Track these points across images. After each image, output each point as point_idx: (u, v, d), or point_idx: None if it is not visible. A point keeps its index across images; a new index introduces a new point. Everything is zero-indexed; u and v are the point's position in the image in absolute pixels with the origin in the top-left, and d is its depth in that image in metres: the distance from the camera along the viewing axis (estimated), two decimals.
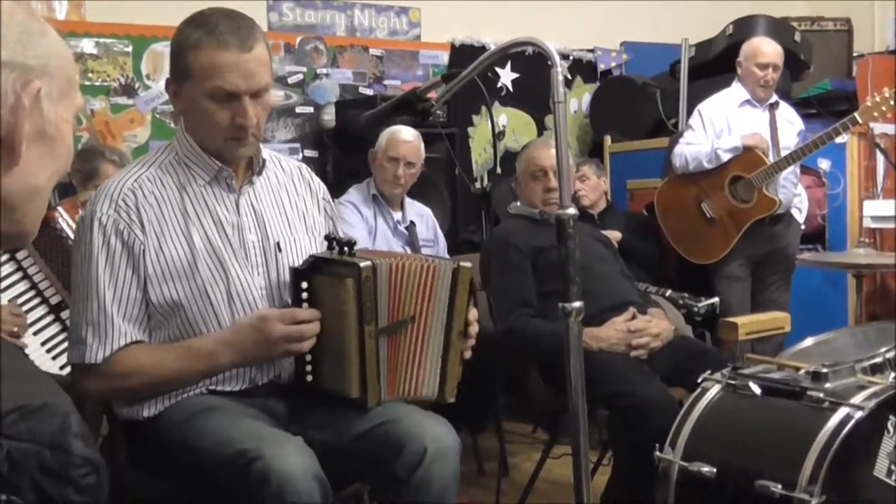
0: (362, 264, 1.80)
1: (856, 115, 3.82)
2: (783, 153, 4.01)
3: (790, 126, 4.20)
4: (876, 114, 3.82)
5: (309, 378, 1.89)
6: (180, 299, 1.85)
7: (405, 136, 3.68)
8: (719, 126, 4.16)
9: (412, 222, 3.74)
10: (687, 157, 4.18)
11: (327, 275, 1.85)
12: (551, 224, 3.06)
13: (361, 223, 3.62)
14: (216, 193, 1.93)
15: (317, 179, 2.14)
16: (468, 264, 1.95)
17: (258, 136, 1.90)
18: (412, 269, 1.88)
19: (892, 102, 3.79)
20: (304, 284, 1.86)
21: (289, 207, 2.03)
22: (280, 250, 1.95)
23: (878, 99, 3.82)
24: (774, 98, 4.21)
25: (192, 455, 1.75)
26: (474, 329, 1.97)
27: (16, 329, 2.47)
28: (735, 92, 4.22)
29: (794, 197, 4.23)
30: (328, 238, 1.91)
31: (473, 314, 1.96)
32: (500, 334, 2.91)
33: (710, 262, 4.20)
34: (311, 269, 1.87)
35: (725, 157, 4.07)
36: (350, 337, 1.83)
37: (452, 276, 1.91)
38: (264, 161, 2.00)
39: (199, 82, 1.81)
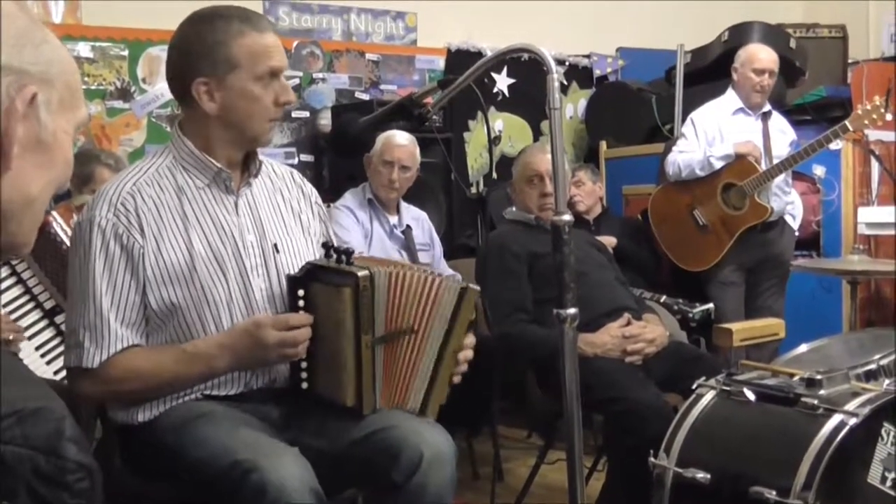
0: (360, 273, 1.79)
1: (846, 122, 3.84)
2: (775, 162, 4.02)
3: (782, 136, 4.21)
4: (867, 121, 3.84)
5: (304, 385, 1.89)
6: (179, 302, 1.85)
7: (400, 139, 3.68)
8: (711, 134, 4.17)
9: (408, 226, 3.74)
10: (679, 165, 4.19)
11: (324, 283, 1.85)
12: (547, 230, 3.06)
13: (357, 227, 3.63)
14: (215, 195, 1.93)
15: (308, 184, 2.15)
16: (477, 287, 1.93)
17: None
18: (413, 280, 1.87)
19: (882, 110, 3.81)
20: (301, 292, 1.86)
21: (284, 209, 2.03)
22: (277, 251, 1.96)
23: (868, 107, 3.84)
24: (767, 107, 4.22)
25: (188, 463, 1.74)
26: (467, 355, 1.96)
27: (11, 337, 2.46)
28: (728, 100, 4.23)
29: (787, 204, 4.24)
30: (326, 246, 1.91)
31: (470, 340, 1.95)
32: (495, 339, 2.91)
33: (703, 270, 4.21)
34: (308, 276, 1.87)
35: (718, 164, 4.08)
36: (346, 346, 1.82)
37: (459, 295, 1.89)
38: (261, 163, 2.01)
39: (248, 68, 1.84)
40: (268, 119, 1.90)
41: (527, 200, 3.22)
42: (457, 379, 1.96)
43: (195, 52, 1.84)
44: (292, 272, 1.91)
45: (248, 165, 1.99)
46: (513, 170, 3.33)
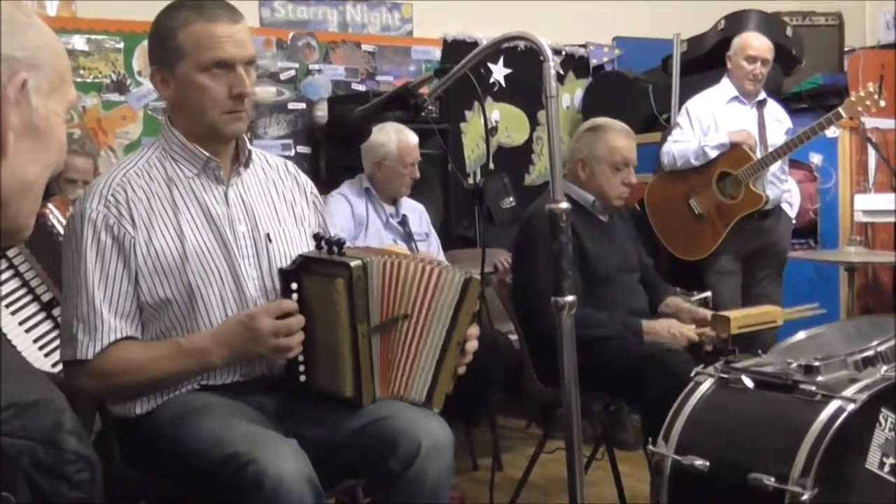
0: (353, 263, 1.79)
1: (840, 109, 3.84)
2: (770, 150, 4.02)
3: (778, 124, 4.21)
4: (860, 108, 3.84)
5: (302, 378, 1.89)
6: (172, 292, 1.85)
7: (412, 138, 3.67)
8: (706, 123, 4.16)
9: (405, 216, 3.74)
10: (675, 155, 4.18)
11: (317, 275, 1.84)
12: (600, 219, 3.03)
13: (346, 214, 3.60)
14: (204, 185, 1.93)
15: (303, 175, 2.14)
16: (478, 276, 1.92)
17: (249, 111, 1.91)
18: (410, 270, 1.86)
19: (876, 97, 3.81)
20: (294, 285, 1.85)
21: (277, 199, 2.03)
22: (270, 241, 1.95)
23: (862, 93, 3.83)
24: (763, 95, 4.22)
25: (186, 456, 1.75)
26: (472, 345, 1.95)
27: None
28: (723, 88, 4.23)
29: (783, 192, 4.24)
30: (317, 237, 1.90)
31: (475, 331, 1.95)
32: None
33: (700, 259, 4.21)
34: (301, 269, 1.86)
35: (713, 153, 4.08)
36: (342, 337, 1.82)
37: (462, 285, 1.88)
38: (250, 152, 2.00)
39: (193, 57, 1.82)
40: (222, 111, 1.86)
41: (606, 184, 3.08)
42: (461, 370, 1.96)
43: (153, 42, 1.89)
44: (285, 263, 1.91)
45: (237, 156, 1.98)
46: (581, 145, 3.12)
